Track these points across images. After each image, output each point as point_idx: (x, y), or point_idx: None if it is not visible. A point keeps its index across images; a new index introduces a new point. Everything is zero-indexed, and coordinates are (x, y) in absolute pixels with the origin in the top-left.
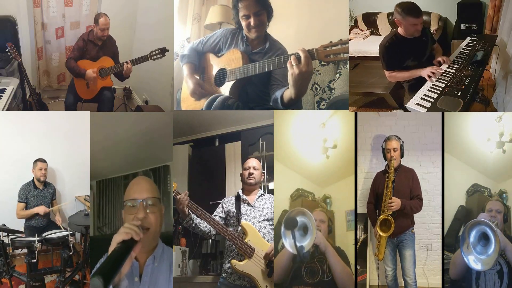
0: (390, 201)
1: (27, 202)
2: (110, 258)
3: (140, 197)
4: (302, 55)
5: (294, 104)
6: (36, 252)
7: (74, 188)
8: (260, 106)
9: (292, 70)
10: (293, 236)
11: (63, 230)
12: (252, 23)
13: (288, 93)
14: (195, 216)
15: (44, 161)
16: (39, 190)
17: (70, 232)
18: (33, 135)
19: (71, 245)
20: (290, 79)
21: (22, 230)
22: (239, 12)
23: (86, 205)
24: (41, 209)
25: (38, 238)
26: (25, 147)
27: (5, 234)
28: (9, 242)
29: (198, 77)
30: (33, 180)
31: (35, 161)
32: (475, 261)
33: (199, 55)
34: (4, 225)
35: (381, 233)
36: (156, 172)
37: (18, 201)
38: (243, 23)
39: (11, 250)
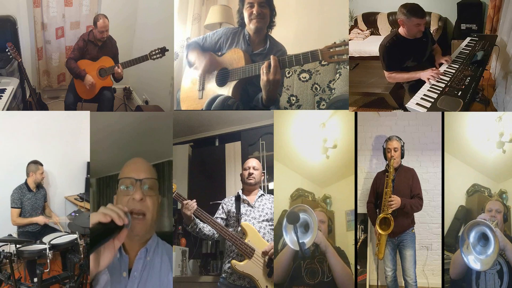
0: (390, 199)
1: (22, 206)
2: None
3: (137, 176)
4: (272, 63)
5: (272, 105)
6: (48, 261)
7: (63, 188)
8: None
9: (262, 76)
10: (295, 231)
11: (64, 232)
12: (254, 11)
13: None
14: (199, 221)
15: (42, 164)
16: (33, 193)
17: (78, 236)
18: (20, 136)
19: (81, 249)
20: (261, 84)
21: (15, 235)
22: (244, 3)
23: (78, 205)
24: (40, 219)
25: (48, 246)
26: (15, 148)
27: (5, 244)
28: (15, 252)
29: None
30: (26, 183)
31: (35, 165)
32: (474, 261)
33: (201, 50)
34: (10, 235)
35: (380, 232)
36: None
37: (13, 207)
38: (246, 13)
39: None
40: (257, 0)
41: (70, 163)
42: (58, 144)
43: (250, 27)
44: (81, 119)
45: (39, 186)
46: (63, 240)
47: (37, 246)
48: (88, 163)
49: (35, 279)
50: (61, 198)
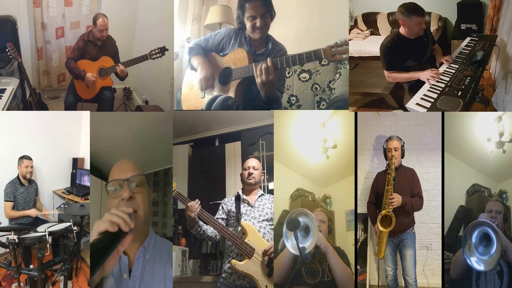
0: (391, 196)
1: (15, 200)
2: (91, 249)
3: (123, 176)
4: (263, 65)
5: (274, 103)
6: (48, 245)
7: (51, 183)
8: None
9: (256, 78)
10: (295, 237)
11: (55, 222)
12: (258, 24)
13: None
14: (202, 223)
15: (30, 158)
16: (25, 187)
17: (71, 223)
18: (11, 133)
19: (74, 234)
20: (257, 85)
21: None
22: (245, 12)
23: (66, 198)
24: (32, 212)
25: (47, 232)
26: (6, 144)
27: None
28: (17, 240)
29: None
30: (18, 178)
31: (21, 159)
32: (477, 262)
33: (204, 51)
34: (13, 223)
35: (382, 229)
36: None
37: (6, 200)
38: (248, 24)
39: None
40: (259, 13)
41: (57, 159)
42: (46, 141)
43: (253, 35)
44: (69, 117)
45: (30, 180)
46: (58, 227)
47: (37, 233)
48: (74, 159)
49: (31, 266)
50: (49, 192)
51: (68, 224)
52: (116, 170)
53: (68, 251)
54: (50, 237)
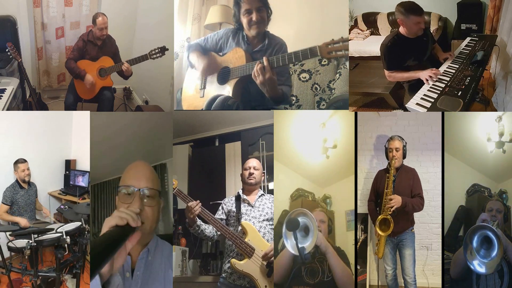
0: (390, 197)
1: (16, 203)
2: (100, 242)
3: (137, 185)
4: (259, 66)
5: (282, 100)
6: (66, 246)
7: (44, 185)
8: (263, 105)
9: (255, 80)
10: (295, 237)
11: (60, 223)
12: (254, 18)
13: None
14: (201, 222)
15: (24, 161)
16: (26, 190)
17: (82, 221)
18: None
19: (86, 233)
20: (259, 86)
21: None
22: (241, 8)
23: (63, 199)
24: (23, 222)
25: (64, 232)
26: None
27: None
28: (34, 242)
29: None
30: (17, 181)
31: (16, 164)
32: (479, 265)
33: (203, 51)
34: (31, 226)
35: (380, 233)
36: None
37: (2, 203)
38: (245, 19)
39: (28, 252)
40: (255, 6)
41: (50, 161)
42: (37, 143)
43: (250, 32)
44: (61, 118)
45: (30, 183)
46: (71, 227)
47: (54, 235)
48: (67, 160)
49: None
50: (44, 194)
51: (79, 223)
52: (131, 173)
53: (80, 249)
54: (68, 237)
